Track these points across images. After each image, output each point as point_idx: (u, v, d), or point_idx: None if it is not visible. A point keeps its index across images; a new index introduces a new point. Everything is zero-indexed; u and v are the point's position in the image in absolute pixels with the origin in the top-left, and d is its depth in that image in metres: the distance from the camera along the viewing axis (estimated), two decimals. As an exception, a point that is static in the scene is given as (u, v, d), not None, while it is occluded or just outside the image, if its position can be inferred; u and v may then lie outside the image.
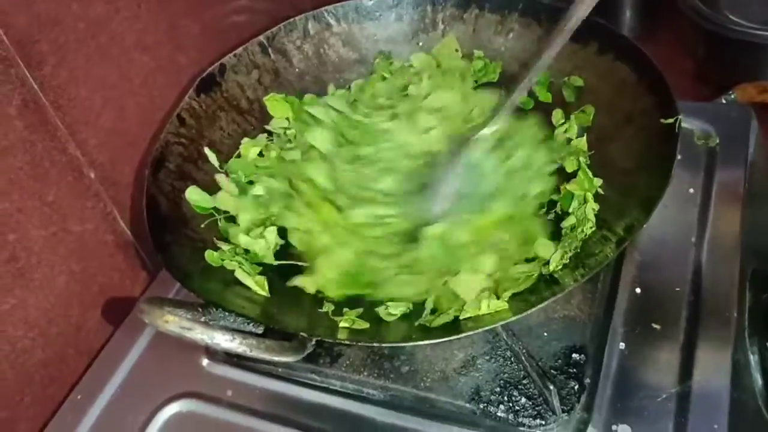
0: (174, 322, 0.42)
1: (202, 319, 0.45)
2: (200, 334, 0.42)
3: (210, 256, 0.58)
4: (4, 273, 0.60)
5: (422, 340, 0.48)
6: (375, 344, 0.51)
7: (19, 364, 0.62)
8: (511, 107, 0.61)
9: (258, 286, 0.58)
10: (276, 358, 0.44)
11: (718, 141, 0.72)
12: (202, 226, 0.62)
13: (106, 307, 0.72)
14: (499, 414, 0.54)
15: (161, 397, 0.61)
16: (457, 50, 0.73)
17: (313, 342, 0.47)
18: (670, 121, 0.55)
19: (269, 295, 0.57)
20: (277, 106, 0.71)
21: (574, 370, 0.56)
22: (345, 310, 0.54)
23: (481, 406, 0.55)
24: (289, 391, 0.60)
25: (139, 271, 0.76)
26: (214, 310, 0.47)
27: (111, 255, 0.71)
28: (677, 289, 0.61)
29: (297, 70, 0.74)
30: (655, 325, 0.59)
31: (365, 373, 0.59)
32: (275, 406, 0.60)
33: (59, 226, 0.65)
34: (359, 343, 0.51)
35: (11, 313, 0.61)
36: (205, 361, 0.64)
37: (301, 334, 0.46)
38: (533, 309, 0.48)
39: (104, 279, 0.71)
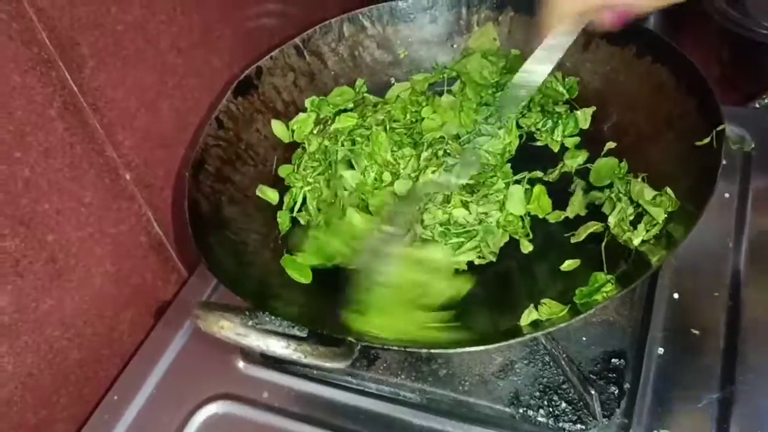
0: (230, 329, 0.42)
1: (250, 323, 0.45)
2: (255, 340, 0.42)
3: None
4: (43, 274, 0.60)
5: (473, 345, 0.48)
6: (424, 350, 0.51)
7: (56, 365, 0.63)
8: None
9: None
10: (328, 365, 0.44)
11: (753, 146, 0.72)
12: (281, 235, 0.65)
13: (138, 309, 0.72)
14: (538, 418, 0.54)
15: (198, 399, 0.62)
16: (494, 39, 0.73)
17: (359, 346, 0.47)
18: (706, 141, 0.55)
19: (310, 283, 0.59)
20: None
21: (614, 374, 0.56)
22: None
23: (521, 410, 0.55)
24: (325, 394, 0.60)
25: (170, 273, 0.76)
26: (261, 313, 0.47)
27: (144, 257, 0.72)
28: (715, 294, 0.61)
29: (332, 72, 0.74)
30: (694, 330, 0.58)
31: (402, 376, 0.59)
32: (311, 408, 0.60)
33: (95, 227, 0.65)
34: (407, 349, 0.51)
35: (49, 314, 0.61)
36: (240, 363, 0.64)
37: (349, 339, 0.46)
38: (582, 315, 0.48)
39: (138, 280, 0.71)
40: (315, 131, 0.72)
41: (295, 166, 0.71)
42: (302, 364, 0.47)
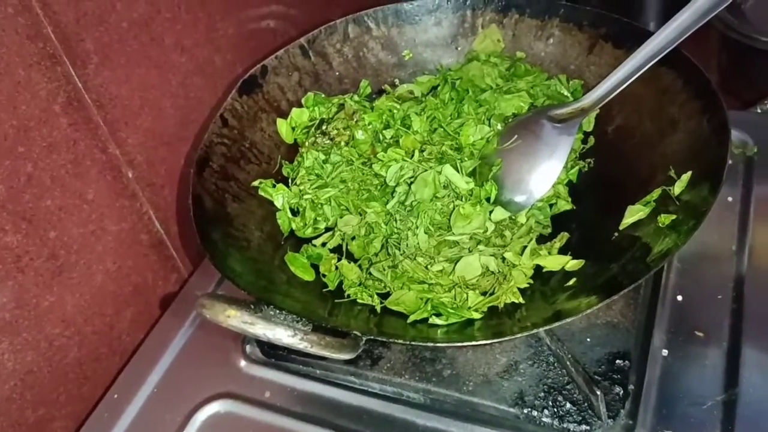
0: (236, 317, 0.42)
1: (256, 314, 0.44)
2: (262, 329, 0.42)
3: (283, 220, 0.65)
4: (44, 270, 0.60)
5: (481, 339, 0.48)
6: (430, 344, 0.50)
7: (56, 362, 0.62)
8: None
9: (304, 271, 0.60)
10: (334, 355, 0.44)
11: (756, 150, 0.72)
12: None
13: (138, 308, 0.72)
14: (543, 419, 0.54)
15: (199, 398, 0.61)
16: (499, 40, 0.73)
17: (364, 341, 0.47)
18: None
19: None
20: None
21: (618, 376, 0.55)
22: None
23: (525, 410, 0.55)
24: (328, 393, 0.60)
25: (170, 273, 0.76)
26: (266, 307, 0.47)
27: (145, 255, 0.72)
28: (719, 296, 0.61)
29: (336, 73, 0.74)
30: (698, 333, 0.58)
31: (406, 376, 0.59)
32: (313, 408, 0.59)
33: (97, 224, 0.65)
34: (413, 343, 0.50)
35: (50, 311, 0.61)
36: (242, 363, 0.64)
37: (354, 333, 0.46)
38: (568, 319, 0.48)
39: (138, 279, 0.71)
40: (308, 142, 0.70)
41: (291, 178, 0.69)
42: (308, 354, 0.47)
